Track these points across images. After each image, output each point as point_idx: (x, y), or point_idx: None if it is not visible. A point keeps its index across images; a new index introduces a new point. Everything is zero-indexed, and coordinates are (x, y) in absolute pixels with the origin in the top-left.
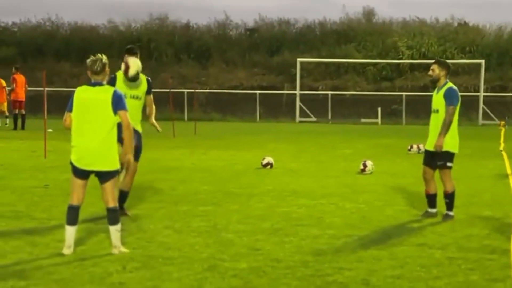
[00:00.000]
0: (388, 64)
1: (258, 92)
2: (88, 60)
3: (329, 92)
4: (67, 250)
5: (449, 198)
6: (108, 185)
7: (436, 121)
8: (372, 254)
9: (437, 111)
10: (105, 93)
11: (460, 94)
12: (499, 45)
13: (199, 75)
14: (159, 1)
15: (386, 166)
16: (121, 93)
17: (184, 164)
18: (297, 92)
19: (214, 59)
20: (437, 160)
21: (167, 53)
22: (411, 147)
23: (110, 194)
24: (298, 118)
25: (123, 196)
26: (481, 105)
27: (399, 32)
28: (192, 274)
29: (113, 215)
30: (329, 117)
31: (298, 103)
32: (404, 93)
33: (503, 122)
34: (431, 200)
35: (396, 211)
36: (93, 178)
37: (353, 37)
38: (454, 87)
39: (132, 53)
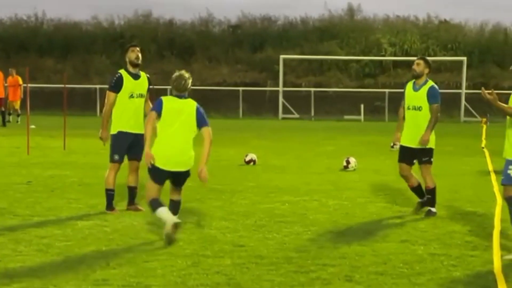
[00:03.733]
0: (371, 61)
1: (241, 88)
2: (173, 76)
3: (312, 89)
4: (172, 223)
5: (432, 193)
6: (181, 188)
7: (417, 118)
8: (355, 250)
9: (420, 108)
10: (190, 106)
11: (441, 91)
12: (480, 43)
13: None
14: None
15: (369, 163)
16: (203, 110)
17: None
18: (280, 88)
19: (197, 56)
20: (422, 156)
21: (150, 50)
22: (394, 144)
23: (179, 193)
24: (281, 115)
25: (132, 192)
26: (463, 102)
27: (381, 29)
28: (175, 271)
29: (177, 205)
30: (312, 113)
31: (281, 99)
32: (387, 90)
33: (484, 119)
34: (418, 191)
35: (379, 207)
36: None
37: (336, 34)
38: (435, 85)
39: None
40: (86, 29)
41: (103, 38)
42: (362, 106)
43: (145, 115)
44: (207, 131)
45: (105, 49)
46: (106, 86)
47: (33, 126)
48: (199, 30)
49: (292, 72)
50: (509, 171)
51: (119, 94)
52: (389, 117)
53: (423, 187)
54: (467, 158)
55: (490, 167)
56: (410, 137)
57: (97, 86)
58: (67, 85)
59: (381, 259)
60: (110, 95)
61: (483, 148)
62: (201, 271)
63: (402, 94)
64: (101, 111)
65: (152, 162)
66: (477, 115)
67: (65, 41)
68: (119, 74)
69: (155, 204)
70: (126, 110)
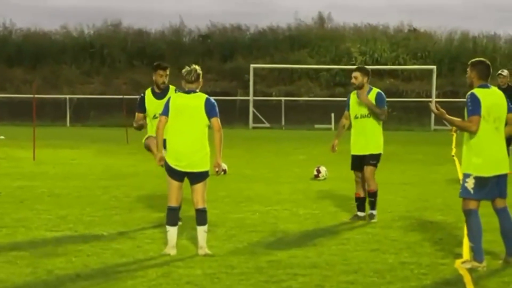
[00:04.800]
0: (341, 69)
1: (211, 98)
2: (183, 70)
3: (283, 98)
4: (172, 251)
5: (374, 196)
6: (200, 186)
7: (365, 125)
8: (326, 259)
9: (368, 115)
10: (198, 99)
11: (412, 99)
12: (450, 51)
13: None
14: (112, 7)
15: (340, 172)
16: (214, 101)
17: (138, 170)
18: (251, 98)
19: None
20: (369, 160)
21: (120, 59)
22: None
23: (200, 195)
24: (251, 124)
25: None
26: None
27: (352, 38)
28: (146, 281)
29: (202, 216)
30: (283, 123)
31: (251, 109)
32: None
33: (455, 128)
34: (362, 203)
35: (349, 216)
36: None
37: (306, 43)
38: (381, 91)
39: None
40: (55, 38)
41: (72, 48)
42: (332, 115)
43: None
44: (214, 122)
45: (75, 58)
46: (76, 96)
47: (2, 137)
48: (170, 40)
49: (263, 81)
50: (466, 184)
51: (146, 115)
52: None
53: (366, 190)
54: (437, 167)
55: (460, 175)
56: (359, 146)
57: (67, 96)
58: (36, 95)
59: (352, 268)
60: (137, 115)
61: (453, 156)
62: (171, 282)
63: (346, 104)
64: (71, 121)
65: (163, 164)
66: (447, 124)
67: (34, 51)
68: (142, 95)
69: (168, 217)
70: (151, 131)
